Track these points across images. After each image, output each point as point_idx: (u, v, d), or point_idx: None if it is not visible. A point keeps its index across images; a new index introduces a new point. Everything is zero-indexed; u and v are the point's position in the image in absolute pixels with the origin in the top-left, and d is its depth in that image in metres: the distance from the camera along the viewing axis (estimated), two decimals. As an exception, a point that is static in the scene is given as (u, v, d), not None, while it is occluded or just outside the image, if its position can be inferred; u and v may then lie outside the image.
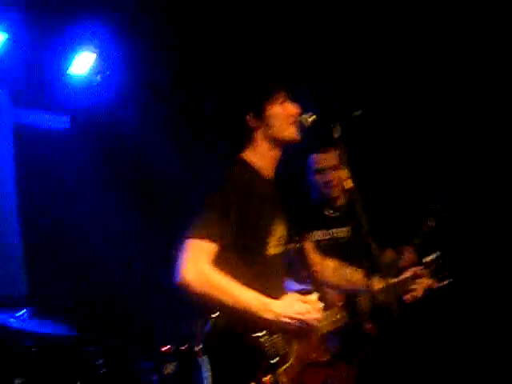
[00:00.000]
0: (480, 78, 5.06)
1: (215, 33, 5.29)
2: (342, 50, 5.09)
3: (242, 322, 2.73)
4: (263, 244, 2.91)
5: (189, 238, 2.76)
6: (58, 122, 6.30)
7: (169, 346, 5.08)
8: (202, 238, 2.75)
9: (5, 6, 5.40)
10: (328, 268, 3.41)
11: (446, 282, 3.44)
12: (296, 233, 3.19)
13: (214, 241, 2.75)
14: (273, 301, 2.78)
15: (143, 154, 6.20)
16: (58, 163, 6.02)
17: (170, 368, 5.09)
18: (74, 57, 6.05)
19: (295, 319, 2.78)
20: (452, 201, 3.97)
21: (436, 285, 3.43)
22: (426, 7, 4.96)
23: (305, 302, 2.84)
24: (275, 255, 2.96)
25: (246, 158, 3.04)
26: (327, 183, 4.24)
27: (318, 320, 2.86)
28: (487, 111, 5.09)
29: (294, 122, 3.02)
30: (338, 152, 4.08)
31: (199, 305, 2.79)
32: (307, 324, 2.80)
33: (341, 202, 4.32)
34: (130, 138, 6.21)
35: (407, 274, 3.41)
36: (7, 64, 5.74)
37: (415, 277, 3.37)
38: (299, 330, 2.81)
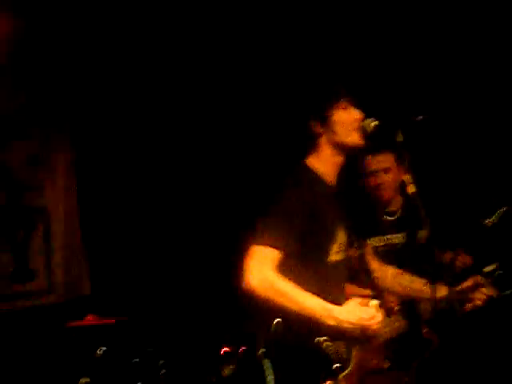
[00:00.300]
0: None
1: (280, 37, 5.28)
2: (406, 55, 5.03)
3: (305, 327, 2.75)
4: (326, 251, 2.94)
5: (254, 244, 2.80)
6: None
7: (228, 348, 5.12)
8: (267, 245, 2.79)
9: None
10: (388, 274, 3.40)
11: (507, 293, 3.39)
12: (356, 239, 3.20)
13: (278, 248, 2.78)
14: (336, 307, 2.79)
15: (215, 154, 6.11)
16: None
17: (228, 370, 5.15)
18: None
19: (357, 325, 2.78)
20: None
21: (497, 295, 3.38)
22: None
23: (366, 308, 2.84)
24: (336, 261, 2.98)
25: (309, 164, 3.05)
26: (378, 186, 4.18)
27: (380, 326, 2.86)
28: None
29: (358, 128, 3.02)
30: (392, 155, 4.10)
31: (263, 309, 2.82)
32: (369, 330, 2.80)
33: (395, 206, 4.27)
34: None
35: (469, 282, 3.38)
36: None
37: (476, 286, 3.33)
38: (361, 336, 2.81)
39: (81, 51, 5.37)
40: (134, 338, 5.11)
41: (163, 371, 4.92)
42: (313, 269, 2.89)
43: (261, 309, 2.84)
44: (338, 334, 2.79)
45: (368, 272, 3.20)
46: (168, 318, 5.51)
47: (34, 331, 4.92)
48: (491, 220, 3.56)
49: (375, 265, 3.36)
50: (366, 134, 3.04)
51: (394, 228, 4.20)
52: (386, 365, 2.93)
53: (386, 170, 4.13)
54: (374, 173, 4.18)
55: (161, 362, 4.96)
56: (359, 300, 2.89)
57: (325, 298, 2.81)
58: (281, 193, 2.92)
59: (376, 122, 3.04)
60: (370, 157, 4.17)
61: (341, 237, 3.00)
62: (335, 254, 2.96)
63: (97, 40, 5.28)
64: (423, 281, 3.25)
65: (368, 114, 3.10)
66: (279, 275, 2.75)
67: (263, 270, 2.74)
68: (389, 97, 4.67)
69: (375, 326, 2.82)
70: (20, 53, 5.23)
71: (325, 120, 3.00)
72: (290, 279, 2.78)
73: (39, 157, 5.58)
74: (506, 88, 4.97)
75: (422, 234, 3.95)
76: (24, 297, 5.26)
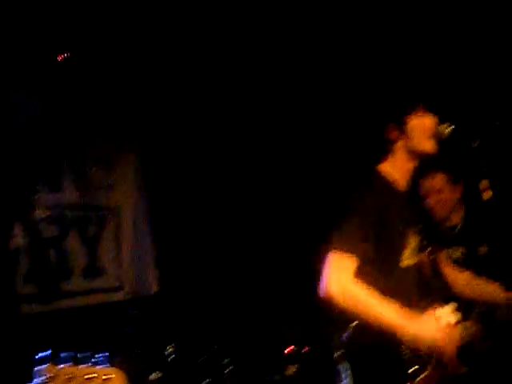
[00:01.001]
0: None
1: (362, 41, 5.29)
2: (481, 62, 4.99)
3: (383, 334, 2.76)
4: (399, 256, 2.94)
5: (332, 251, 2.83)
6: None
7: (292, 348, 5.18)
8: (344, 251, 2.81)
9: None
10: (461, 280, 3.38)
11: None
12: (429, 243, 3.19)
13: (355, 255, 2.81)
14: (412, 322, 2.76)
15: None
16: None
17: (291, 369, 5.20)
18: None
19: (433, 341, 2.76)
20: None
21: None
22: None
23: (443, 328, 2.80)
24: (409, 266, 2.97)
25: (382, 169, 3.07)
26: (434, 205, 4.25)
27: (455, 340, 2.83)
28: None
29: (433, 135, 3.02)
30: (444, 176, 4.14)
31: (340, 315, 2.84)
32: (444, 347, 2.78)
33: (455, 221, 4.30)
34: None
35: None
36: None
37: None
38: (435, 354, 2.80)
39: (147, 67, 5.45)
40: (200, 337, 5.21)
41: (228, 369, 5.01)
42: (388, 273, 2.89)
43: (337, 313, 2.86)
44: (414, 344, 2.78)
45: (441, 277, 3.19)
46: (234, 317, 5.59)
47: (104, 327, 5.04)
48: None
49: (448, 269, 3.34)
50: (442, 139, 3.04)
51: (453, 242, 4.22)
52: (463, 370, 2.89)
53: (440, 191, 4.21)
54: (426, 196, 4.25)
55: (226, 360, 5.05)
56: (434, 315, 2.85)
57: (400, 303, 2.81)
58: (355, 200, 2.95)
59: (451, 127, 3.04)
60: (421, 180, 4.24)
61: (413, 241, 3.01)
62: (408, 259, 2.96)
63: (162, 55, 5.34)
64: (497, 285, 3.23)
65: (443, 119, 3.10)
66: (357, 283, 2.76)
67: (342, 278, 2.77)
68: (463, 103, 4.64)
69: (447, 351, 2.79)
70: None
71: (402, 126, 3.02)
72: (368, 286, 2.79)
73: (110, 159, 5.75)
74: None
75: (482, 250, 4.00)
76: (94, 292, 5.41)
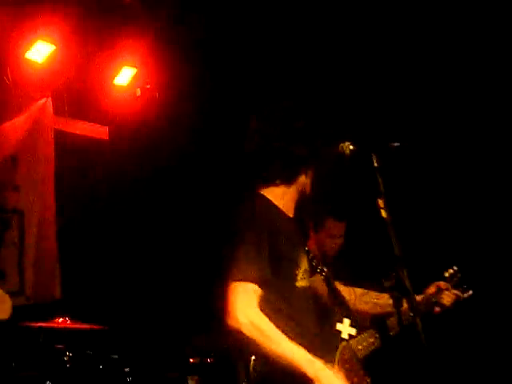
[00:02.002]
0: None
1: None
2: (381, 82, 5.17)
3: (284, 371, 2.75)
4: (293, 276, 2.95)
5: (234, 281, 2.76)
6: (97, 131, 6.46)
7: (196, 358, 5.16)
8: (247, 280, 2.76)
9: (54, 19, 5.59)
10: (354, 294, 3.45)
11: (468, 294, 3.51)
12: (318, 264, 3.24)
13: (257, 281, 2.77)
14: (323, 370, 2.69)
15: (178, 164, 6.32)
16: (96, 170, 6.18)
17: (194, 380, 5.18)
18: (116, 69, 6.21)
19: None
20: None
21: (461, 296, 3.50)
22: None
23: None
24: (304, 288, 2.99)
25: (265, 194, 3.04)
26: (332, 248, 4.35)
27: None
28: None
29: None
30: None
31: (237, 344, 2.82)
32: None
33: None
34: (165, 149, 6.34)
35: (431, 289, 3.48)
36: (52, 73, 5.93)
37: (439, 290, 3.43)
38: None
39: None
40: (101, 345, 5.13)
41: (129, 379, 4.95)
42: (285, 297, 2.88)
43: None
44: None
45: (336, 293, 3.24)
46: (137, 325, 5.55)
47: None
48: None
49: (340, 287, 3.39)
50: (344, 157, 3.10)
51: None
52: (366, 382, 2.93)
53: (340, 236, 4.32)
54: (333, 236, 4.35)
55: (126, 369, 4.99)
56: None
57: (299, 323, 2.83)
58: (241, 223, 2.89)
59: (353, 147, 3.11)
60: (332, 221, 4.34)
61: (304, 263, 3.02)
62: (301, 280, 2.98)
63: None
64: (387, 296, 3.31)
65: (345, 137, 3.17)
66: (263, 316, 2.74)
67: (249, 309, 2.72)
68: (366, 124, 4.78)
69: None
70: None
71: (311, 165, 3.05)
72: (268, 311, 2.78)
73: (18, 159, 5.62)
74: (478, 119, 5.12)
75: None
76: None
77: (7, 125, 5.76)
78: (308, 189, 3.07)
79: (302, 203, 3.11)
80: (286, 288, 2.90)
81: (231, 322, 2.73)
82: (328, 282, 3.18)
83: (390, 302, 3.26)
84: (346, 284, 3.52)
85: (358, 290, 3.48)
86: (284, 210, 3.05)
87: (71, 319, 4.67)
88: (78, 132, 6.32)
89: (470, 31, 5.03)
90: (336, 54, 5.22)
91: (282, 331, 2.75)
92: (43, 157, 5.89)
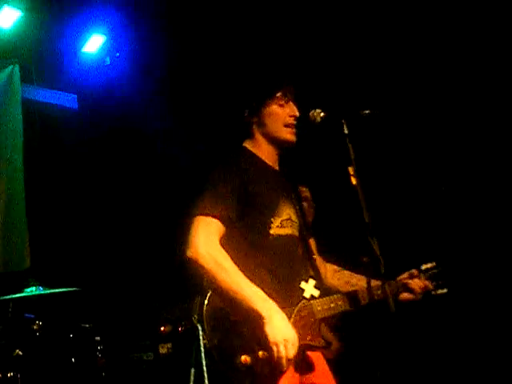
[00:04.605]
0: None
1: (221, 23, 5.41)
2: (353, 49, 5.17)
3: (235, 312, 2.77)
4: (268, 223, 2.99)
5: (198, 215, 2.84)
6: (66, 99, 6.38)
7: (167, 326, 5.18)
8: (210, 215, 2.83)
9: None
10: (328, 270, 3.46)
11: (442, 291, 3.52)
12: (307, 227, 3.26)
13: (221, 218, 2.83)
14: (270, 309, 2.71)
15: (147, 134, 6.31)
16: (65, 139, 6.12)
17: (165, 348, 5.20)
18: (85, 37, 6.13)
19: (275, 343, 2.67)
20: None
21: (432, 290, 3.50)
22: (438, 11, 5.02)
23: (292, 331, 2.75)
24: (280, 235, 3.02)
25: (248, 147, 3.13)
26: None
27: (287, 359, 2.81)
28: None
29: (291, 125, 3.10)
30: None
31: (200, 282, 2.85)
32: (275, 360, 2.69)
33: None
34: (134, 119, 6.31)
35: (404, 275, 3.50)
36: (19, 40, 5.82)
37: (411, 277, 3.45)
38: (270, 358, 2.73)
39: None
40: (72, 313, 5.12)
41: (100, 347, 4.95)
42: (254, 240, 2.93)
43: (199, 282, 2.85)
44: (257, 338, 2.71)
45: (310, 254, 3.25)
46: (106, 294, 5.54)
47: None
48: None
49: (319, 260, 3.41)
50: (314, 125, 3.11)
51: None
52: (320, 343, 2.96)
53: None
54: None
55: (97, 338, 4.99)
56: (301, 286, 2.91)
57: (268, 270, 2.87)
58: (219, 170, 2.98)
59: (324, 114, 3.12)
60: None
61: (286, 214, 3.05)
62: (277, 228, 3.00)
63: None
64: (361, 276, 3.34)
65: (316, 106, 3.18)
66: (223, 251, 2.78)
67: (210, 240, 2.78)
68: (337, 90, 4.79)
69: (282, 364, 2.68)
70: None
71: (255, 111, 3.09)
72: (232, 250, 2.81)
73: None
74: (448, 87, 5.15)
75: None
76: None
77: (-28, 94, 5.67)
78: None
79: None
80: (256, 233, 2.95)
81: (190, 253, 2.78)
82: (305, 243, 3.20)
83: (363, 283, 3.29)
84: (323, 258, 3.53)
85: (332, 266, 3.49)
86: (268, 161, 3.12)
87: (43, 288, 4.64)
88: (46, 100, 6.24)
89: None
90: (309, 22, 5.20)
91: (242, 271, 2.79)
92: (11, 126, 5.81)
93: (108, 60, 6.39)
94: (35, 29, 5.78)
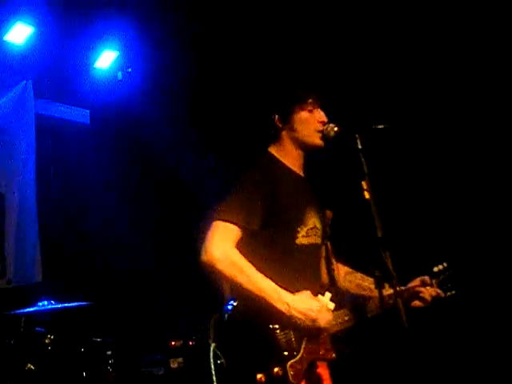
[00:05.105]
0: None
1: (245, 33, 5.43)
2: (367, 64, 5.19)
3: (258, 313, 2.81)
4: (293, 233, 3.02)
5: (216, 220, 2.87)
6: (78, 115, 6.42)
7: (178, 341, 5.18)
8: (228, 221, 2.86)
9: (32, 0, 5.53)
10: (341, 272, 3.47)
11: (449, 294, 3.52)
12: (324, 230, 3.28)
13: (239, 225, 2.86)
14: (288, 294, 2.85)
15: (160, 150, 6.33)
16: (77, 154, 6.16)
17: (176, 362, 5.20)
18: (98, 52, 6.17)
19: (306, 316, 2.85)
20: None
21: (443, 294, 3.51)
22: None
23: (318, 301, 2.92)
24: (305, 245, 3.04)
25: (274, 152, 3.16)
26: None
27: (328, 320, 2.92)
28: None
29: (320, 130, 3.13)
30: None
31: (217, 293, 2.87)
32: (316, 322, 2.87)
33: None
34: (147, 134, 6.35)
35: (416, 281, 3.50)
36: (32, 56, 5.87)
37: (423, 284, 3.45)
38: (309, 328, 2.88)
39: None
40: (83, 327, 5.12)
41: (111, 361, 4.95)
42: (278, 250, 2.96)
43: (216, 291, 2.88)
44: (287, 322, 2.84)
45: (330, 263, 3.27)
46: (118, 309, 5.54)
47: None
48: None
49: (333, 260, 3.43)
50: (328, 139, 3.13)
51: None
52: (332, 356, 2.97)
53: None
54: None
55: (108, 352, 4.99)
56: (309, 292, 2.95)
57: (289, 281, 2.89)
58: (242, 174, 3.02)
59: (338, 128, 3.14)
60: None
61: (312, 222, 3.08)
62: (302, 238, 3.03)
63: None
64: (372, 279, 3.34)
65: (331, 120, 3.20)
66: (239, 254, 2.82)
67: (226, 245, 2.82)
68: (350, 106, 4.81)
69: (322, 319, 2.89)
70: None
71: (286, 116, 3.12)
72: (255, 259, 2.84)
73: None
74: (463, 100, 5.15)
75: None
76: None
77: (-13, 108, 5.71)
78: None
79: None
80: (280, 243, 2.98)
81: (205, 258, 2.82)
82: (327, 250, 3.22)
83: (373, 286, 3.29)
84: (336, 259, 3.54)
85: (346, 268, 3.49)
86: (293, 167, 3.16)
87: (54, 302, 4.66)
88: (59, 116, 6.28)
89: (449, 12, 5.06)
90: (323, 37, 5.23)
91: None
92: (24, 140, 5.85)
93: (120, 75, 6.43)
94: (47, 44, 5.83)
